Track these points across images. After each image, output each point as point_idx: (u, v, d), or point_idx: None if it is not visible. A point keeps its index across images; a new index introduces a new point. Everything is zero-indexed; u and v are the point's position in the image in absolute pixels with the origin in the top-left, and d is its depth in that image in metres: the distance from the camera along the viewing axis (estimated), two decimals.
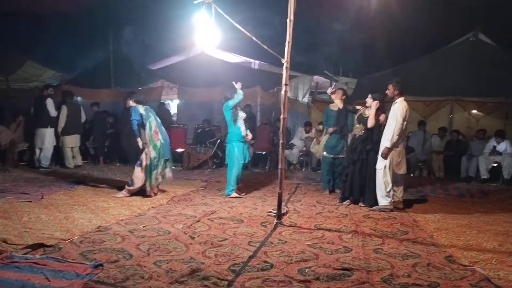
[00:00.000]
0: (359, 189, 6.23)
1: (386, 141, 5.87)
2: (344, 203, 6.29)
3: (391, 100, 6.11)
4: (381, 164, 5.92)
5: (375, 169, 6.02)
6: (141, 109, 6.29)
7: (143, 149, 6.22)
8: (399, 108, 5.86)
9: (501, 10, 14.73)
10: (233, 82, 6.56)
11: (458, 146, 9.96)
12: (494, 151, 9.28)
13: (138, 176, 6.22)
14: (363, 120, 6.26)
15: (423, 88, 10.61)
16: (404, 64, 12.91)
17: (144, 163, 6.19)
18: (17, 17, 13.58)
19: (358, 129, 6.32)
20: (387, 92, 6.07)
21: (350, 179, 6.28)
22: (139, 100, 6.40)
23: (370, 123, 6.09)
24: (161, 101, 11.98)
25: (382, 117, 6.16)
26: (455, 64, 11.40)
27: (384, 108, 6.23)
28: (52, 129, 9.06)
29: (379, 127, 6.14)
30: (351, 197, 6.31)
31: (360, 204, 6.21)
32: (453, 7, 15.42)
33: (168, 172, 6.56)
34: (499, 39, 12.79)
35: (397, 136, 5.81)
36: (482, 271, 3.44)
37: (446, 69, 11.36)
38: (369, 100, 6.24)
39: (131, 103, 6.36)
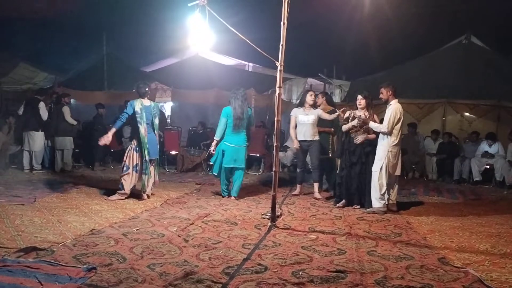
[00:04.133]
0: (356, 192, 6.22)
1: (381, 146, 5.92)
2: (338, 205, 6.31)
3: (384, 103, 6.15)
4: (377, 166, 5.93)
5: None
6: (138, 106, 6.13)
7: (124, 149, 6.12)
8: (392, 108, 5.90)
9: (493, 13, 14.88)
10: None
11: (450, 148, 10.03)
12: (487, 154, 9.34)
13: (127, 179, 6.18)
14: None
15: (416, 91, 10.68)
16: (397, 66, 12.98)
17: (128, 163, 6.12)
18: (10, 19, 13.50)
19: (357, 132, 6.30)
20: (380, 96, 6.07)
21: (345, 181, 6.28)
22: (140, 91, 6.27)
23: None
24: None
25: (375, 117, 6.23)
26: (448, 66, 11.48)
27: (372, 105, 6.33)
28: (43, 133, 8.90)
29: None
30: (345, 199, 6.32)
31: (354, 206, 6.22)
32: (445, 10, 15.55)
33: (155, 176, 6.49)
34: (492, 42, 12.91)
35: (386, 126, 5.81)
36: (475, 272, 3.46)
37: (439, 72, 11.43)
38: (361, 100, 6.24)
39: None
